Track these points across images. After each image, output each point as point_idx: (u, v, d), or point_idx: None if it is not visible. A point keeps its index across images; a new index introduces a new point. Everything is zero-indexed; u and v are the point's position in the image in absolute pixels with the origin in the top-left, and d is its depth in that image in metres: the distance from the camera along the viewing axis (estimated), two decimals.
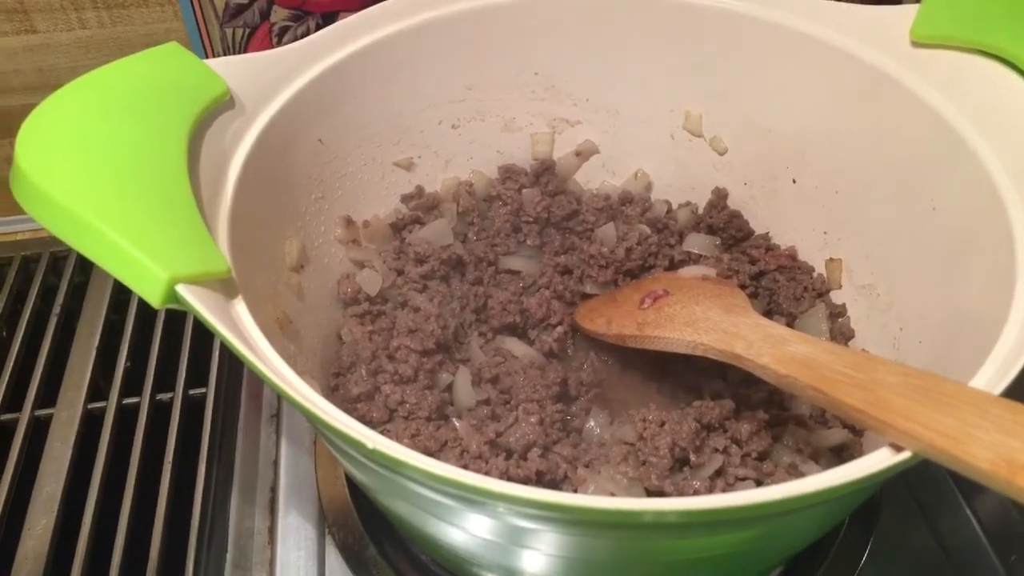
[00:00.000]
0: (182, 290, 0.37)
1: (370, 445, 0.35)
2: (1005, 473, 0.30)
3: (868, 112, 0.58)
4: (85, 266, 0.84)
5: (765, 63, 0.63)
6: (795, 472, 0.52)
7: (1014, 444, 0.31)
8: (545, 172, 0.73)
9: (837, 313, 0.64)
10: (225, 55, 0.69)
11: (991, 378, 0.38)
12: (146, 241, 0.38)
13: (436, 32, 0.63)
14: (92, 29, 0.81)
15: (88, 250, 0.38)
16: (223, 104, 0.51)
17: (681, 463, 0.52)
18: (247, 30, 0.83)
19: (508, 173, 0.73)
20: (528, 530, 0.40)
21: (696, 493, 0.49)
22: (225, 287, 0.42)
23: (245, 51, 0.83)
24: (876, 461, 0.35)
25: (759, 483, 0.51)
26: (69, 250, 0.85)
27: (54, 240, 0.84)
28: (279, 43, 0.84)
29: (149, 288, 0.37)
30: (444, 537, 0.46)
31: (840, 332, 0.63)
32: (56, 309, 0.80)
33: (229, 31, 0.82)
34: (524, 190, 0.72)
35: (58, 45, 0.81)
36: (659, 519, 0.34)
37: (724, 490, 0.50)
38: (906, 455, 0.34)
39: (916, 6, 0.55)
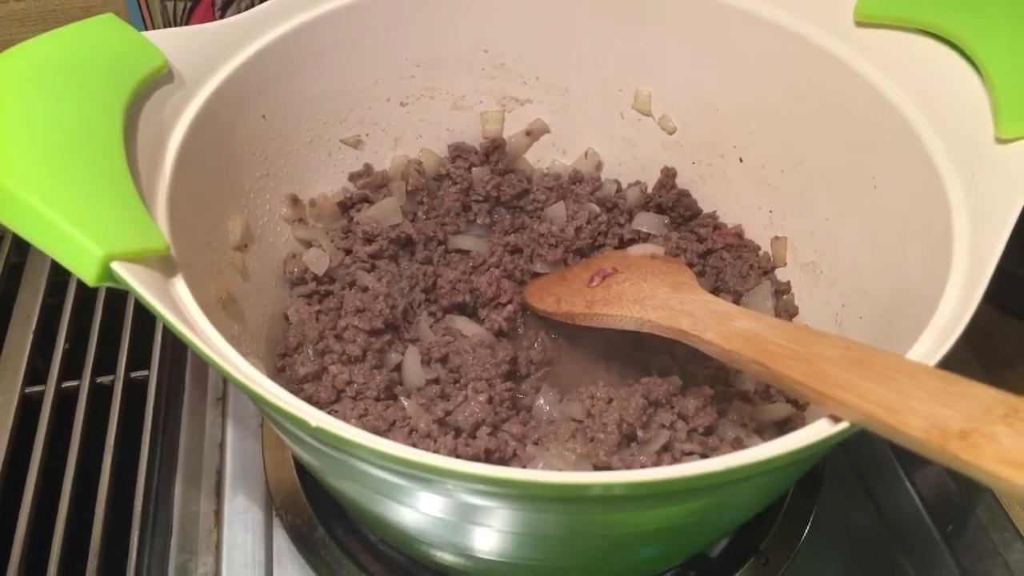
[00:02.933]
0: (118, 267, 0.36)
1: (313, 423, 0.34)
2: (938, 441, 0.31)
3: (812, 91, 0.58)
4: (21, 247, 0.81)
5: (713, 42, 0.63)
6: (740, 446, 0.53)
7: (947, 413, 0.32)
8: (495, 151, 0.72)
9: (782, 290, 0.65)
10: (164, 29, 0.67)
11: (927, 350, 0.39)
12: (79, 216, 0.37)
13: (383, 7, 0.62)
14: (27, 2, 0.79)
15: (19, 226, 0.37)
16: (161, 77, 0.49)
17: (629, 439, 0.52)
18: (188, 3, 0.81)
19: (458, 152, 0.72)
20: (477, 507, 0.40)
21: (643, 468, 0.50)
22: (164, 265, 0.41)
23: (186, 25, 0.81)
24: (816, 432, 0.35)
25: (704, 457, 0.51)
26: (3, 230, 0.82)
27: None
28: (222, 17, 0.82)
29: (83, 265, 0.36)
30: (393, 517, 0.46)
31: (785, 309, 0.64)
32: None
33: (170, 4, 0.80)
34: (474, 169, 0.71)
35: None
36: (606, 492, 0.34)
37: (671, 464, 0.51)
38: (844, 425, 0.35)
39: None
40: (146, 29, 0.80)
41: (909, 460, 0.67)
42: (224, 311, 0.52)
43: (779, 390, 0.58)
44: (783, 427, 0.57)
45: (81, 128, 0.42)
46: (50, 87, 0.43)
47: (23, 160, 0.38)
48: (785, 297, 0.65)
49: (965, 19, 0.50)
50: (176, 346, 0.74)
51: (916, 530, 0.64)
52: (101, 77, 0.46)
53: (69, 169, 0.39)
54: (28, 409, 0.69)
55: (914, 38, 0.52)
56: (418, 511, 0.43)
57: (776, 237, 0.66)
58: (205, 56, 0.53)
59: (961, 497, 0.65)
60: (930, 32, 0.52)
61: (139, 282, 0.37)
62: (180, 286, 0.41)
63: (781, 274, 0.66)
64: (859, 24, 0.55)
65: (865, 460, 0.68)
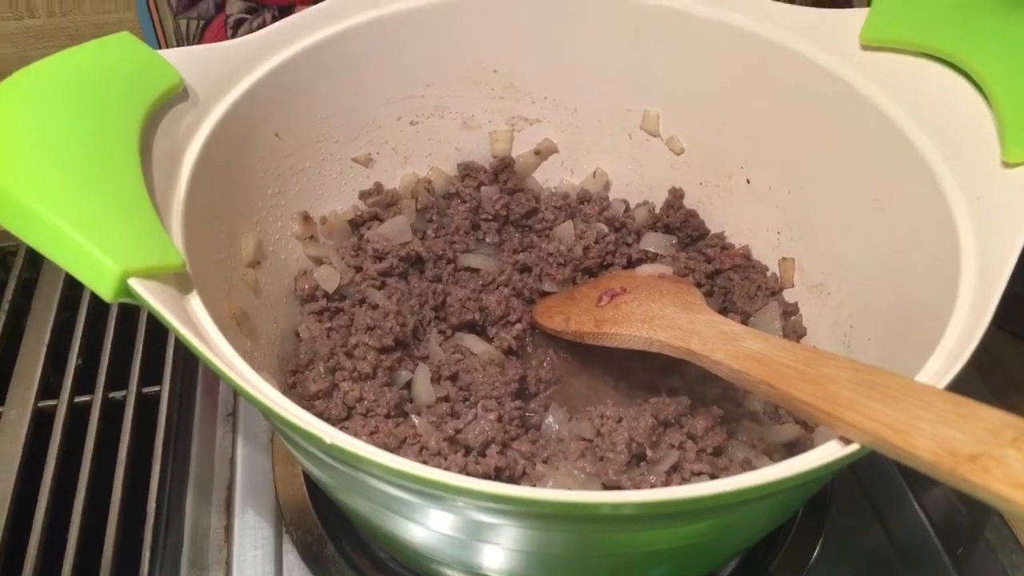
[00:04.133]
0: (135, 284, 0.37)
1: (328, 440, 0.35)
2: (947, 463, 0.31)
3: (819, 113, 0.59)
4: (35, 262, 0.82)
5: (721, 64, 0.63)
6: (749, 467, 0.53)
7: (956, 436, 0.32)
8: (504, 170, 0.73)
9: (790, 311, 0.65)
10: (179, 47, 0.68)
11: (937, 372, 0.39)
12: (97, 233, 0.37)
13: (394, 28, 0.63)
14: (41, 18, 0.80)
15: (37, 242, 0.37)
16: (176, 96, 0.50)
17: (638, 459, 0.52)
18: (202, 22, 0.82)
19: (467, 170, 0.73)
20: (487, 525, 0.40)
21: (652, 488, 0.50)
22: (179, 282, 0.42)
23: (199, 43, 0.82)
24: (825, 453, 0.35)
25: (714, 478, 0.52)
26: (18, 245, 0.83)
27: (2, 235, 0.83)
28: (234, 36, 0.83)
29: (101, 281, 0.37)
30: (403, 533, 0.46)
31: (792, 330, 0.64)
32: (4, 306, 0.78)
33: (183, 22, 0.81)
34: (483, 188, 0.72)
35: (5, 34, 0.79)
36: (616, 511, 0.34)
37: (680, 485, 0.51)
38: (854, 447, 0.35)
39: (866, 10, 0.56)
40: (159, 46, 0.81)
41: (918, 482, 0.67)
42: (237, 327, 0.53)
43: (788, 411, 0.58)
44: (792, 448, 0.57)
45: (99, 145, 0.43)
46: (68, 104, 0.44)
47: (41, 176, 0.39)
48: (793, 318, 0.65)
49: (971, 43, 0.51)
50: (188, 361, 0.74)
51: (925, 552, 0.64)
52: (118, 95, 0.46)
53: (87, 186, 0.40)
54: (41, 423, 0.69)
55: (920, 61, 0.53)
56: (428, 528, 0.43)
57: (784, 258, 0.67)
58: (219, 74, 0.54)
59: (970, 519, 0.64)
60: (936, 56, 0.52)
61: (156, 299, 0.37)
62: (195, 302, 0.41)
63: (789, 295, 0.66)
64: (865, 47, 0.56)
65: (874, 481, 0.67)
